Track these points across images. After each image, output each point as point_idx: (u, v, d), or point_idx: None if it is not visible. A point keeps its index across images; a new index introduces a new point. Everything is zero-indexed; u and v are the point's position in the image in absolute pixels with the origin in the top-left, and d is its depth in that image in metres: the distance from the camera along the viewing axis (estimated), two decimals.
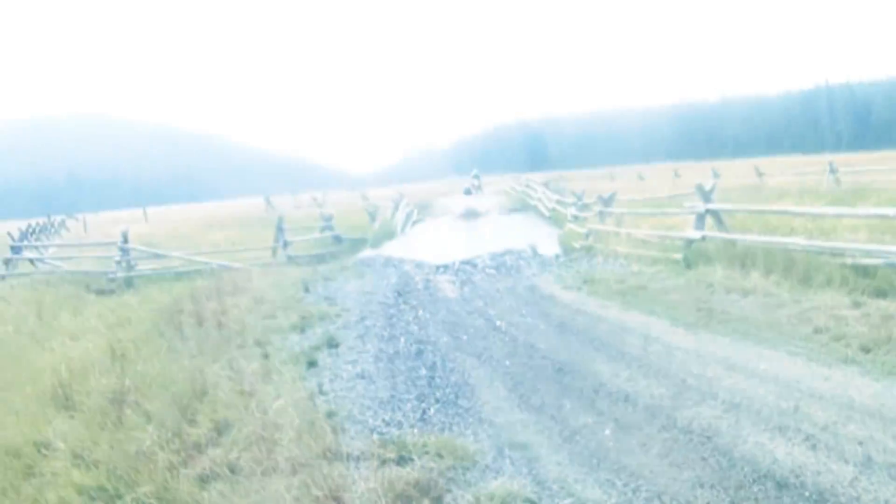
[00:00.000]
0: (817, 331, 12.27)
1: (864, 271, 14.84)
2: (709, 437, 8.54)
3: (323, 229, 34.64)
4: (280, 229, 29.89)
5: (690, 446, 8.36)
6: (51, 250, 36.29)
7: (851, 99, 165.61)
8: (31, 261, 29.96)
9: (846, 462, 7.58)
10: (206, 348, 13.89)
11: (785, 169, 55.86)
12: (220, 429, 9.69)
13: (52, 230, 55.81)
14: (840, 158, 57.87)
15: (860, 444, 7.94)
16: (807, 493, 7.07)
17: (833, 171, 42.26)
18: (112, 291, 24.31)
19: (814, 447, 8.00)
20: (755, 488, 7.27)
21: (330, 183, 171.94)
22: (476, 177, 73.14)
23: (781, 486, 7.26)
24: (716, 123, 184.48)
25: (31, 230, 44.89)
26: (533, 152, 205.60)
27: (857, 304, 13.32)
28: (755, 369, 10.81)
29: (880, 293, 13.74)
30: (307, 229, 35.51)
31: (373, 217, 43.42)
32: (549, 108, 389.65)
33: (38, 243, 39.69)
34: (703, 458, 8.00)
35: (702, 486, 7.41)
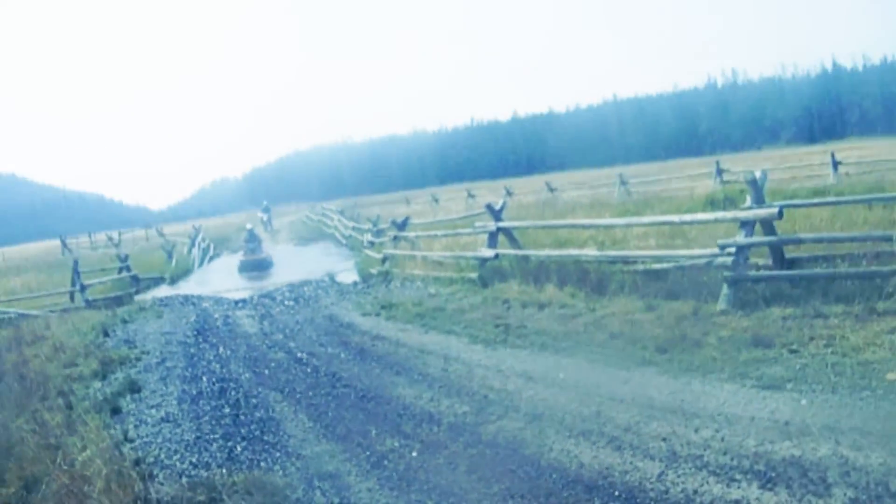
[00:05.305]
0: (613, 336, 12.61)
1: (656, 276, 15.37)
2: (514, 449, 8.67)
3: (120, 270, 34.16)
4: (76, 272, 29.18)
5: (497, 459, 8.46)
6: None
7: (640, 112, 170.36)
8: None
9: (652, 459, 7.82)
10: (7, 402, 13.50)
11: (578, 183, 56.90)
12: (29, 486, 9.43)
13: None
14: (631, 170, 59.59)
15: (664, 440, 8.21)
16: (616, 493, 7.25)
17: (624, 182, 43.49)
18: None
19: (619, 448, 8.23)
20: (565, 493, 7.42)
21: (129, 219, 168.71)
22: (266, 210, 69.25)
23: (591, 488, 7.42)
24: (507, 142, 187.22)
25: None
26: (329, 179, 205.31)
27: (650, 308, 13.76)
28: (555, 379, 11.05)
29: (672, 295, 14.18)
30: (104, 271, 34.82)
31: (170, 255, 42.86)
32: (345, 134, 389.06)
33: None
34: (511, 470, 8.11)
35: (512, 496, 7.52)
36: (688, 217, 16.01)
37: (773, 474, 7.08)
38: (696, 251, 14.65)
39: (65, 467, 9.53)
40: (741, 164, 44.05)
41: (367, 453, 9.37)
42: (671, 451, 7.91)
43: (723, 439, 7.99)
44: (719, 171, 39.86)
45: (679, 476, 7.35)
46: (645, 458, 7.86)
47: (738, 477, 7.15)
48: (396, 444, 9.53)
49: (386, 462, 8.98)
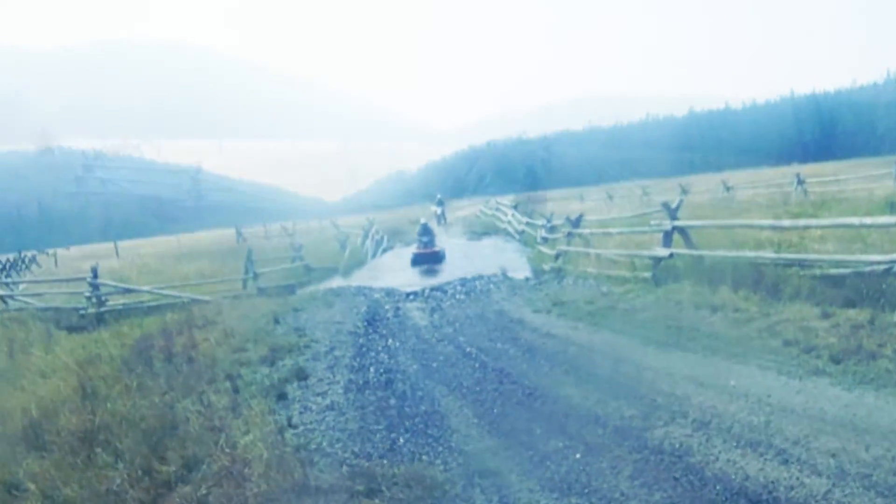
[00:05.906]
0: (787, 343, 12.24)
1: (833, 281, 14.77)
2: (679, 457, 8.53)
3: (293, 259, 34.59)
4: (249, 260, 29.63)
5: (661, 467, 8.33)
6: (21, 287, 35.64)
7: (817, 110, 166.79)
8: (2, 298, 29.44)
9: (819, 475, 7.58)
10: (176, 383, 13.80)
11: (753, 182, 55.90)
12: (190, 465, 9.64)
13: (23, 266, 55.21)
14: (807, 169, 57.93)
15: (833, 456, 7.94)
16: None
17: (801, 182, 42.10)
18: (83, 328, 23.84)
19: (786, 462, 7.99)
20: None
21: (304, 210, 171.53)
22: (439, 203, 68.41)
23: (754, 502, 7.25)
24: (682, 137, 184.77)
25: (1, 266, 44.60)
26: (503, 173, 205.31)
27: (826, 315, 13.24)
28: (725, 385, 10.79)
29: (849, 303, 13.61)
30: (277, 260, 35.22)
31: (343, 246, 43.25)
32: (519, 129, 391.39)
33: (9, 280, 39.20)
34: (675, 479, 7.98)
35: None
36: (868, 220, 15.30)
37: None
38: (876, 257, 14.14)
39: (227, 449, 9.77)
40: None
41: (531, 452, 9.33)
42: (840, 468, 7.66)
43: (893, 459, 7.71)
44: None
45: (845, 495, 7.14)
46: (812, 475, 7.63)
47: None
48: (560, 444, 9.47)
49: (549, 462, 8.92)
